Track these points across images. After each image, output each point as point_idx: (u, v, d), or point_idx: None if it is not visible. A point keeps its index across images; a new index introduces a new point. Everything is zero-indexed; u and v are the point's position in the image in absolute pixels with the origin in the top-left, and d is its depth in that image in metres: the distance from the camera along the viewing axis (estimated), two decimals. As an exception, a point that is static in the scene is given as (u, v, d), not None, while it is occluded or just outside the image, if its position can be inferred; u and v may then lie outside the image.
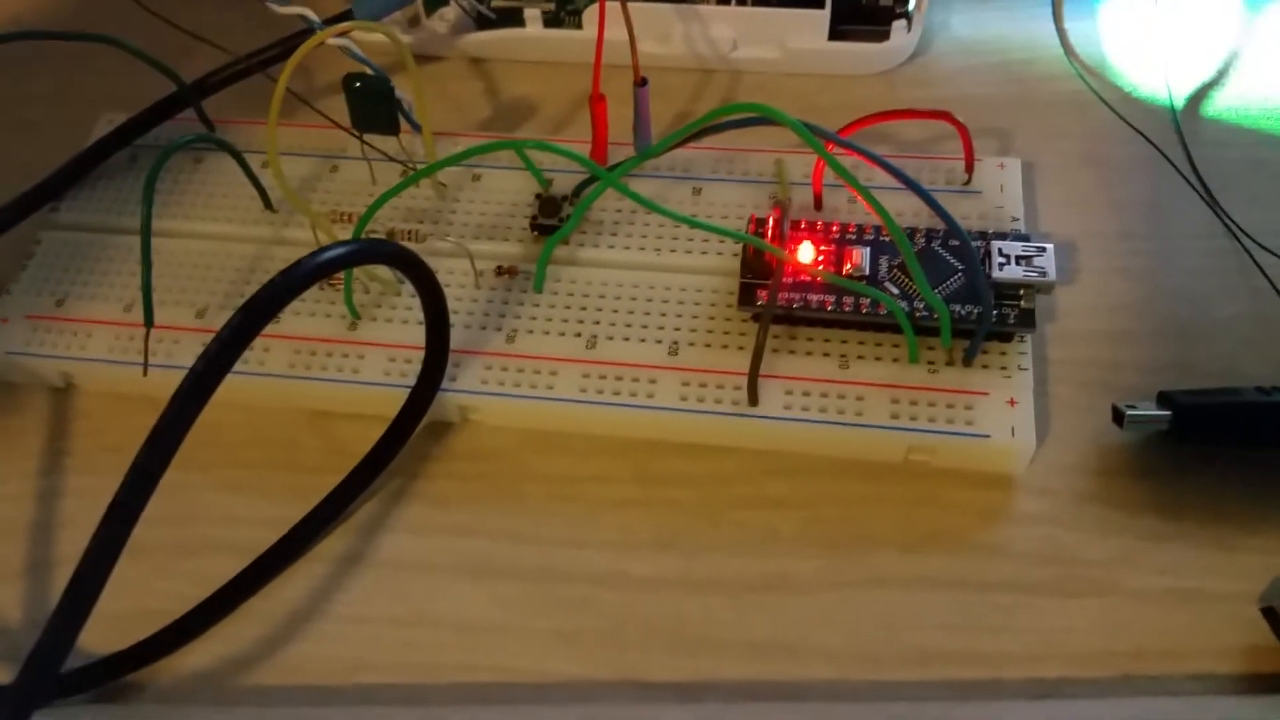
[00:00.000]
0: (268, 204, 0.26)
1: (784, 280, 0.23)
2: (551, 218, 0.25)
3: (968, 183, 0.25)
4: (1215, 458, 0.22)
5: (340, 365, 0.24)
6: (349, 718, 0.21)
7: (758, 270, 0.23)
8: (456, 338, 0.24)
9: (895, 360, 0.23)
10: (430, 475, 0.24)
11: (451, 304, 0.23)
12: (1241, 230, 0.25)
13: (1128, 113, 0.28)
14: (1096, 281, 0.25)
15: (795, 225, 0.24)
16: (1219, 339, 0.24)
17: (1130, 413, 0.22)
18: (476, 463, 0.24)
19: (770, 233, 0.23)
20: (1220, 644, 0.21)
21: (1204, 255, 0.25)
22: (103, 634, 0.21)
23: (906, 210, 0.24)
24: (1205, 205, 0.26)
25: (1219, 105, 0.28)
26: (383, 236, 0.25)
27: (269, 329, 0.24)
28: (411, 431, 0.24)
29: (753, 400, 0.22)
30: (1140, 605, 0.21)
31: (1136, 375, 0.24)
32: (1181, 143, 0.27)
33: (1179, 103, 0.28)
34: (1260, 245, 0.25)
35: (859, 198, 0.21)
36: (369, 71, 0.25)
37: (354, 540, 0.23)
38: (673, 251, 0.25)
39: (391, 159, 0.26)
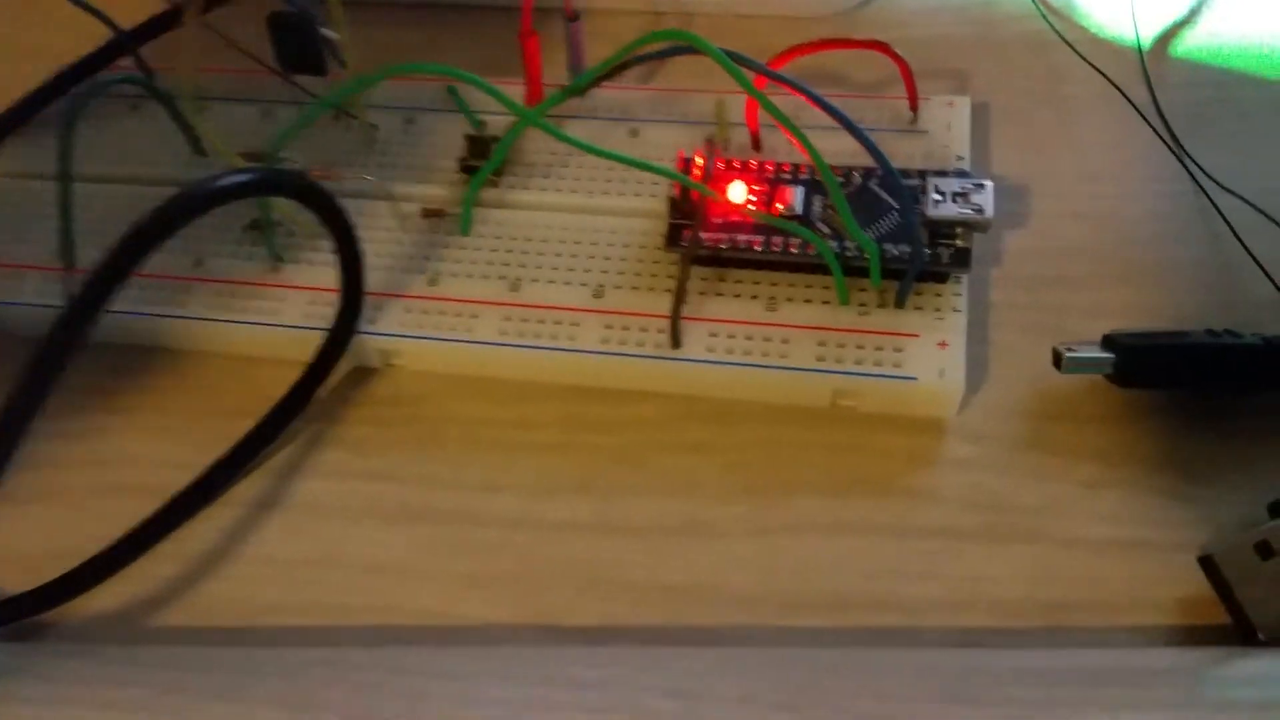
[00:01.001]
0: (198, 149, 0.26)
1: (713, 220, 0.22)
2: (481, 159, 0.24)
3: (914, 122, 0.24)
4: (1161, 403, 0.21)
5: (260, 308, 0.23)
6: (257, 657, 0.20)
7: (686, 211, 0.22)
8: (378, 280, 0.23)
9: (825, 302, 0.22)
10: (350, 420, 0.23)
11: (375, 247, 0.23)
12: (1204, 172, 0.24)
13: (1091, 53, 0.27)
14: (1047, 225, 0.24)
15: (729, 165, 0.23)
16: (1175, 284, 0.23)
17: (1069, 354, 0.21)
18: (397, 408, 0.23)
19: (697, 170, 0.22)
20: (1155, 596, 0.20)
21: (1163, 198, 0.24)
22: (14, 575, 0.21)
23: (846, 151, 0.23)
24: (1167, 148, 0.25)
25: (1186, 46, 0.27)
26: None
27: (189, 270, 0.24)
28: (326, 375, 0.23)
29: (675, 342, 0.22)
30: (1073, 555, 0.20)
31: (1084, 320, 0.23)
32: (1146, 84, 0.26)
33: (1145, 43, 0.27)
34: (1222, 187, 0.24)
35: (782, 129, 0.20)
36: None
37: (269, 484, 0.23)
38: (604, 194, 0.24)
39: (319, 100, 0.25)
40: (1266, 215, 0.23)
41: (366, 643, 0.21)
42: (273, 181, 0.20)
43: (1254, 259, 0.22)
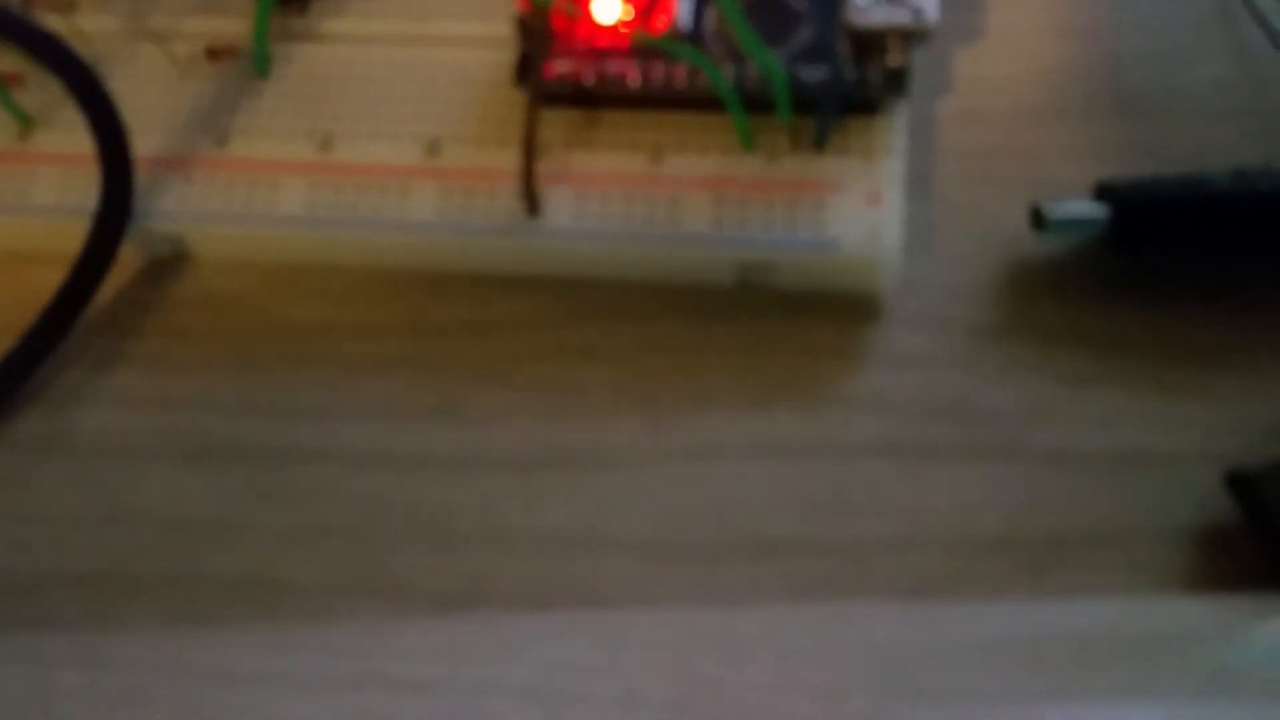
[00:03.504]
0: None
1: (573, 46, 0.16)
2: (278, -23, 0.19)
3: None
4: (1171, 271, 0.17)
5: (6, 188, 0.18)
6: (19, 650, 0.16)
7: (540, 34, 0.17)
8: (152, 144, 0.18)
9: (725, 150, 0.17)
10: (145, 331, 0.18)
11: (148, 100, 0.18)
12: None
13: None
14: (1021, 44, 0.19)
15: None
16: (1190, 111, 0.18)
17: (1054, 210, 0.16)
18: (206, 313, 0.19)
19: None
20: (1167, 525, 0.15)
21: (1173, 1, 0.19)
22: None
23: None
24: (1175, -71, 0.19)
25: None
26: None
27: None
28: (101, 273, 0.18)
29: (531, 208, 0.16)
30: (1058, 472, 0.16)
31: (1070, 165, 0.18)
32: None
33: None
34: (1255, -17, 0.19)
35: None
36: None
37: (44, 419, 0.18)
38: (442, 18, 0.19)
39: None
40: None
41: (163, 622, 0.16)
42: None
43: (1295, 72, 0.17)
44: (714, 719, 0.13)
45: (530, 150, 0.16)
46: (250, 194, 0.18)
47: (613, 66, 0.17)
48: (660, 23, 0.17)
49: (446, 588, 0.16)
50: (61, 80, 0.16)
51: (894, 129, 0.17)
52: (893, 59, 0.16)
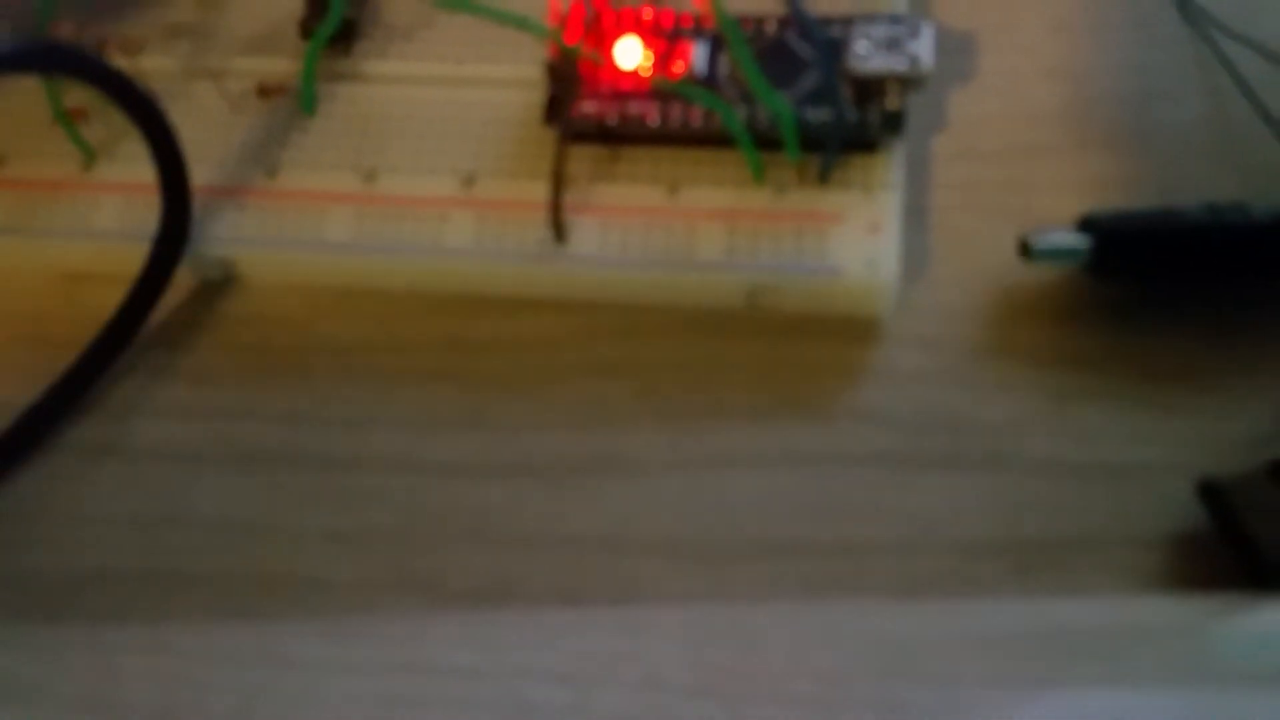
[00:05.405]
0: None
1: (598, 88, 0.18)
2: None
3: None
4: (1149, 298, 0.18)
5: (70, 215, 0.20)
6: (67, 640, 0.17)
7: (569, 77, 0.18)
8: (207, 175, 0.19)
9: (737, 184, 0.18)
10: (197, 347, 0.20)
11: (203, 134, 0.19)
12: (1205, 14, 0.20)
13: None
14: (1011, 86, 0.20)
15: (620, 16, 0.19)
16: (1168, 150, 0.19)
17: (1039, 241, 0.17)
18: (253, 331, 0.20)
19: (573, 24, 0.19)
20: (1144, 530, 0.16)
21: (1154, 48, 0.20)
22: None
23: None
24: (1156, -19, 0.21)
25: None
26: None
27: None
28: (158, 293, 0.19)
29: (558, 236, 0.18)
30: (1045, 482, 0.17)
31: (1057, 198, 0.19)
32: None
33: None
34: (1227, 32, 0.20)
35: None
36: None
37: (102, 426, 0.19)
38: (478, 62, 0.20)
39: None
40: (1281, 64, 0.19)
41: (214, 614, 0.18)
42: (21, 56, 0.15)
43: (1266, 117, 0.19)
44: (729, 700, 0.14)
45: (558, 183, 0.18)
46: (298, 222, 0.19)
47: (634, 107, 0.18)
48: (678, 68, 0.18)
49: (479, 584, 0.17)
50: (129, 116, 0.17)
51: (892, 165, 0.18)
52: (891, 102, 0.18)
